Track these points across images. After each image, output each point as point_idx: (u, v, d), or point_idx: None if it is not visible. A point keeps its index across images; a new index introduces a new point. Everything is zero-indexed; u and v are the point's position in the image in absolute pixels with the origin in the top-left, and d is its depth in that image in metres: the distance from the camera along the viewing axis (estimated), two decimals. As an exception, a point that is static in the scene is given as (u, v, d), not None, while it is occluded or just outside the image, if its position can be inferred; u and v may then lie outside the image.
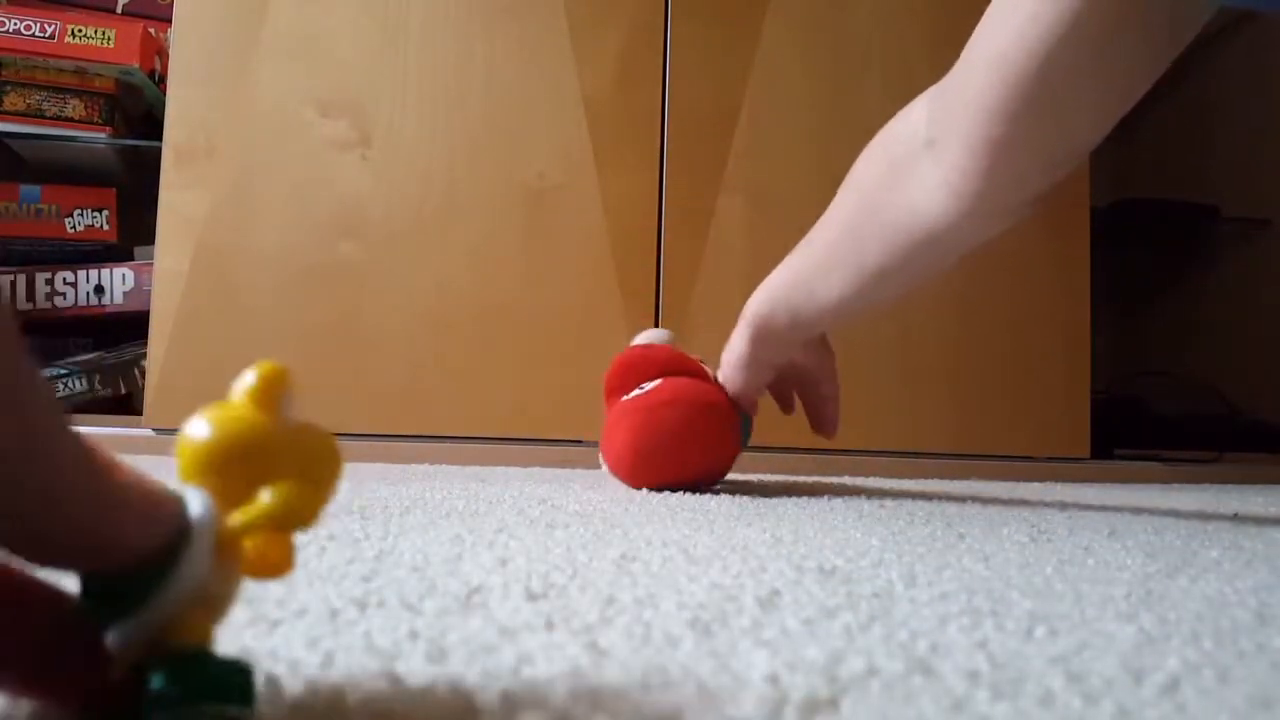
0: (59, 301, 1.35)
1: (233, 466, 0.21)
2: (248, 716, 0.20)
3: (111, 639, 0.20)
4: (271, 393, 0.22)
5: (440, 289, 1.17)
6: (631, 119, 1.21)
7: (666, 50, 1.23)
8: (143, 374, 1.25)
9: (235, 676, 0.21)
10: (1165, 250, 1.78)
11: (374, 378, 1.15)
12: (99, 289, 1.35)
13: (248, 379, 0.22)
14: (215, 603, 0.21)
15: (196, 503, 0.21)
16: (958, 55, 0.64)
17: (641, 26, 1.22)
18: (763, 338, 0.80)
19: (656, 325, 1.18)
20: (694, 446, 0.81)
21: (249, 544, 0.21)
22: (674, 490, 0.80)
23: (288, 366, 0.22)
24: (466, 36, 1.19)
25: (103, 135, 1.33)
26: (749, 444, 0.86)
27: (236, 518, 0.21)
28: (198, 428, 0.21)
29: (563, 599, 0.35)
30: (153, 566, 0.19)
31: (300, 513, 0.21)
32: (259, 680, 0.23)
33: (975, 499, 0.86)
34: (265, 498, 0.21)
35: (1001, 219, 0.68)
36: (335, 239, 1.16)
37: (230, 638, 0.27)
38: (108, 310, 1.35)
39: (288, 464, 0.21)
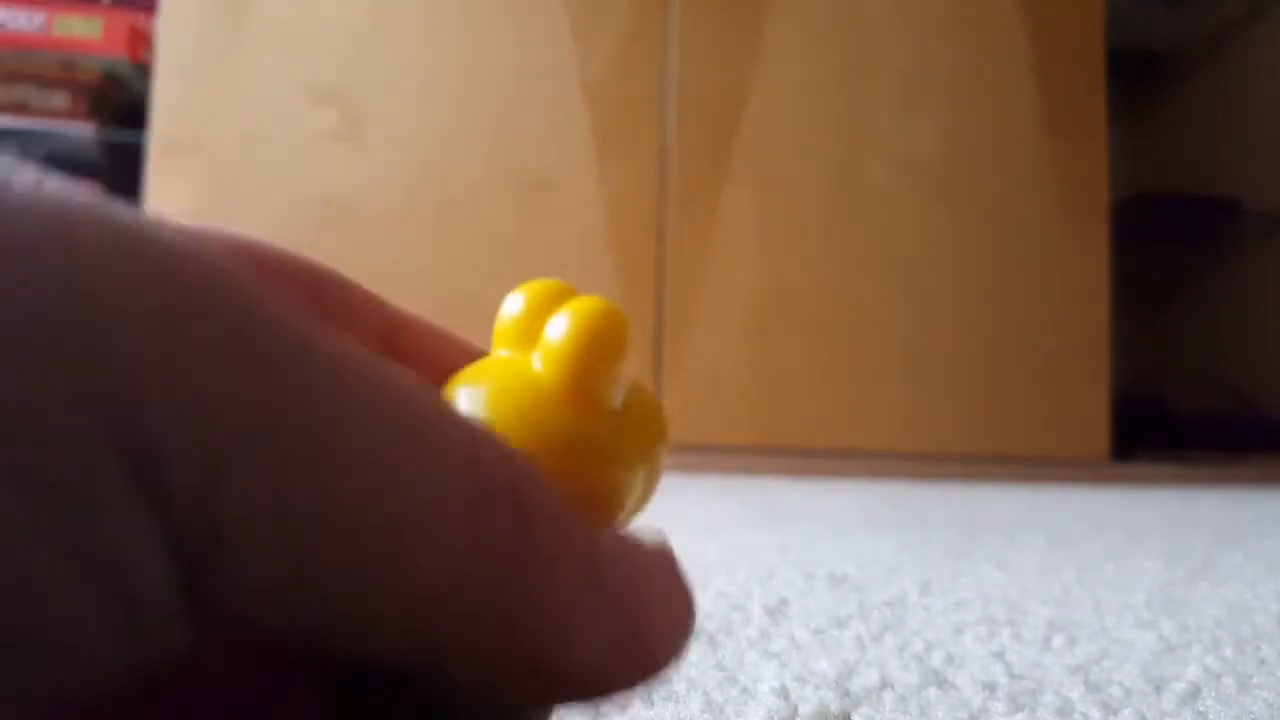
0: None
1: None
2: None
3: None
4: (602, 369, 0.11)
5: (433, 282, 1.15)
6: (633, 106, 1.18)
7: (668, 35, 1.20)
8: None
9: None
10: (1185, 246, 1.76)
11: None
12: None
13: (561, 333, 0.11)
14: None
15: None
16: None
17: (643, 9, 1.20)
18: None
19: (659, 324, 1.18)
20: None
21: None
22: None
23: (620, 313, 0.12)
24: (461, 21, 1.17)
25: (87, 128, 1.32)
26: None
27: None
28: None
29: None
30: None
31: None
32: None
33: (992, 502, 0.85)
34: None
35: None
36: (323, 231, 1.14)
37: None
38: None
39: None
